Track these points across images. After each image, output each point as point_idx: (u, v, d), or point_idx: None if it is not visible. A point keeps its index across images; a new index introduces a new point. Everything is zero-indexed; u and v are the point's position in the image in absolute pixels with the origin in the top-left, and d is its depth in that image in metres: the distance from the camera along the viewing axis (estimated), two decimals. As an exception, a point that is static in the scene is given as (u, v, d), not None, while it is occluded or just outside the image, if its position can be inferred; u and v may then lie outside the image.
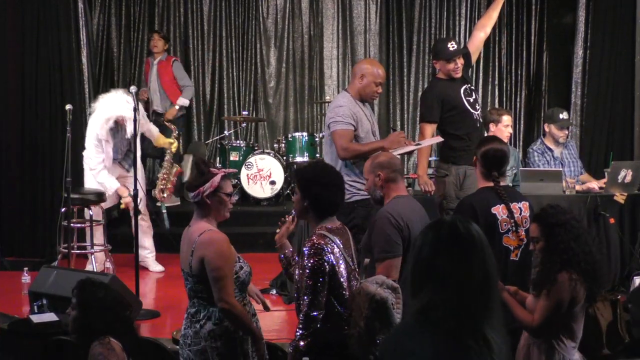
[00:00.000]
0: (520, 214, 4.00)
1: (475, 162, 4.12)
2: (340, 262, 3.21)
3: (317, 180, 3.31)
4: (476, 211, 3.93)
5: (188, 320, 3.42)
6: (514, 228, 3.95)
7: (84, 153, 6.55)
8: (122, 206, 6.48)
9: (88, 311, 3.27)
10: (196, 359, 3.34)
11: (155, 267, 6.90)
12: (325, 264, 3.15)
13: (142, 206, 6.45)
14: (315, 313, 3.14)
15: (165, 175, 6.78)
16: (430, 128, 5.31)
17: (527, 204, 4.08)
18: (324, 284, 3.15)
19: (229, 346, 3.35)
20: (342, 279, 3.21)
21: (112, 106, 6.27)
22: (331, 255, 3.17)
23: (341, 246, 3.26)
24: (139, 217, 6.08)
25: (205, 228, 3.38)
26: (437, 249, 1.96)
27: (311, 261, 3.15)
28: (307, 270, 3.15)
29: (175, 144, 6.90)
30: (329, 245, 3.19)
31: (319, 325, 3.15)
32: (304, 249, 3.22)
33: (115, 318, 3.30)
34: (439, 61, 5.36)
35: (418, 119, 5.51)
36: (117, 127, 6.35)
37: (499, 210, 3.95)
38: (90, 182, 6.61)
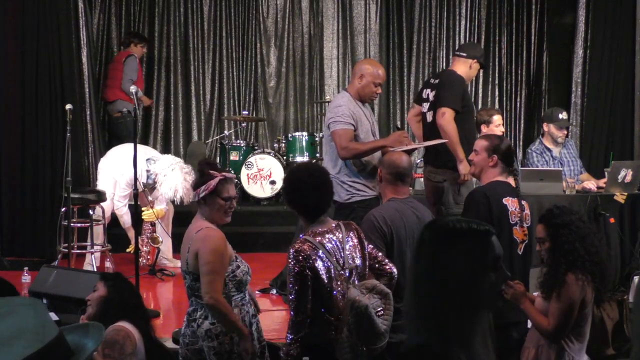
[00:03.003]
0: (524, 210, 4.03)
1: (495, 162, 4.04)
2: (323, 267, 3.17)
3: (295, 188, 3.32)
4: (489, 200, 3.94)
5: (186, 319, 3.44)
6: (520, 222, 3.97)
7: (116, 187, 6.67)
8: (130, 249, 6.55)
9: (118, 291, 3.31)
10: (194, 358, 3.34)
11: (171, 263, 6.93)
12: (307, 270, 3.13)
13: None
14: (300, 318, 3.14)
15: (146, 239, 6.76)
16: (454, 115, 5.12)
17: (528, 203, 4.11)
18: (308, 288, 3.14)
19: (225, 345, 3.35)
20: (327, 283, 3.18)
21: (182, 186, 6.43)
22: (314, 261, 3.15)
23: (330, 247, 3.22)
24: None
25: (203, 225, 3.40)
26: (417, 251, 1.90)
27: (292, 265, 3.15)
28: (290, 277, 3.15)
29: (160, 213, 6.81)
30: (312, 250, 3.16)
31: (306, 330, 3.14)
32: (289, 251, 3.21)
33: (137, 302, 3.35)
34: (471, 61, 5.43)
35: (439, 102, 5.14)
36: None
37: (509, 202, 3.97)
38: (102, 183, 6.72)
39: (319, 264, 3.15)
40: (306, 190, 3.27)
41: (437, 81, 5.40)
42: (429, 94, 5.40)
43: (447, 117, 5.09)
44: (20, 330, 1.68)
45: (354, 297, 3.13)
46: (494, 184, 4.06)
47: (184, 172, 6.46)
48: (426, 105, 5.40)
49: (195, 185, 3.44)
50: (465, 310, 1.76)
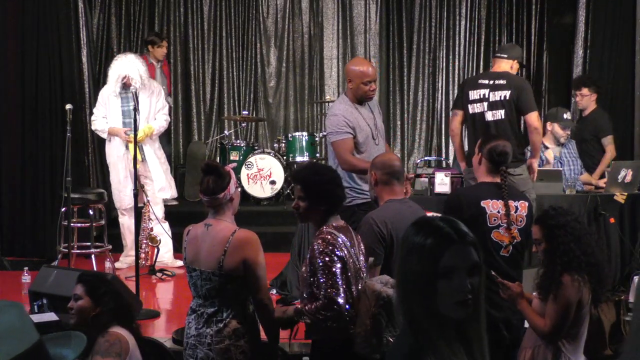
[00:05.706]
0: (516, 212, 3.97)
1: (479, 159, 4.08)
2: (349, 258, 3.22)
3: (318, 179, 3.33)
4: (462, 203, 3.93)
5: (203, 319, 3.40)
6: (505, 224, 3.92)
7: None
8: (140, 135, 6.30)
9: (97, 298, 3.26)
10: (218, 358, 3.34)
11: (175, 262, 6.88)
12: (336, 257, 3.16)
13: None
14: (341, 300, 3.13)
15: (146, 241, 6.70)
16: None
17: (526, 204, 4.04)
18: (343, 270, 3.16)
19: (252, 344, 3.39)
20: (350, 276, 3.21)
21: (122, 66, 6.53)
22: (341, 251, 3.19)
23: (348, 244, 3.26)
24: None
25: (233, 227, 3.48)
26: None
27: (323, 257, 3.16)
28: (321, 265, 3.15)
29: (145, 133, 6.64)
30: (335, 240, 3.20)
31: (346, 313, 3.14)
32: (314, 245, 3.21)
33: (122, 303, 3.32)
34: (512, 61, 5.58)
35: (526, 106, 5.46)
36: (125, 89, 6.55)
37: (489, 205, 3.91)
38: (114, 176, 6.69)
39: (345, 254, 3.20)
40: (328, 184, 3.34)
41: (500, 82, 5.43)
42: (487, 94, 5.43)
43: (540, 121, 5.55)
44: (10, 328, 1.67)
45: (380, 289, 3.15)
46: (479, 185, 4.05)
47: (134, 62, 6.59)
48: (484, 105, 5.44)
49: (222, 187, 3.46)
50: (428, 313, 1.74)
